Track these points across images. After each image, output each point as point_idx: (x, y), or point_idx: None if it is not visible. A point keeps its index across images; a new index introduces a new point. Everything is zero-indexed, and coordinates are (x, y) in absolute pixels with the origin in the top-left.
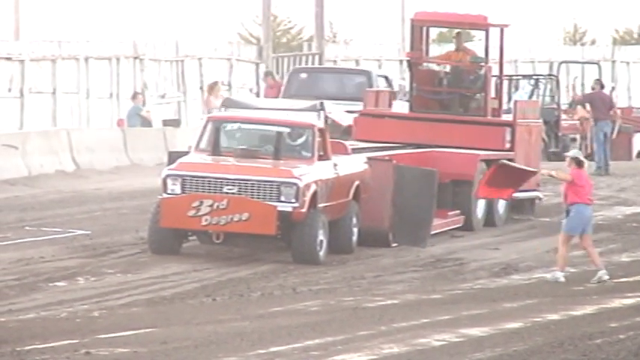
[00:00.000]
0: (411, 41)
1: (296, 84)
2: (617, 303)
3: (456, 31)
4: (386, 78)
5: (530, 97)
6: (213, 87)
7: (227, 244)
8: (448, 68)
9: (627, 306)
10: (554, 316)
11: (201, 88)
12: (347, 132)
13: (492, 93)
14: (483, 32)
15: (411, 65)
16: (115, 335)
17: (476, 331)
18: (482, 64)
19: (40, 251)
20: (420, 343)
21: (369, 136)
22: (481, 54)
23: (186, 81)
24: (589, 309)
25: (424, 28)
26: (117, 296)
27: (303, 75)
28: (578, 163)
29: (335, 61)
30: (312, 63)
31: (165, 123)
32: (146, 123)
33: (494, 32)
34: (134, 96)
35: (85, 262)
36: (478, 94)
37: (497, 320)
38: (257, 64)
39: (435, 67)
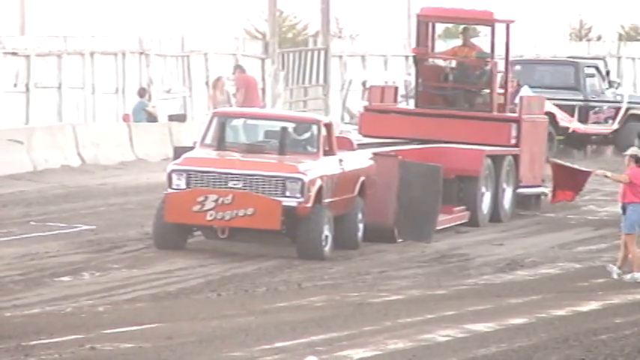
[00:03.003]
0: (416, 37)
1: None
2: (622, 299)
3: (463, 26)
4: (597, 68)
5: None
6: (216, 82)
7: (232, 240)
8: (454, 64)
9: (632, 302)
10: (559, 312)
11: (206, 83)
12: None
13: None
14: (489, 28)
15: (416, 61)
16: (120, 330)
17: (481, 327)
18: (488, 59)
19: (45, 246)
20: (424, 339)
21: (374, 131)
22: (487, 49)
23: (191, 76)
24: (594, 305)
25: (430, 24)
26: (122, 291)
27: (517, 67)
28: (637, 161)
29: (341, 57)
30: (318, 58)
31: (171, 118)
32: (152, 118)
33: (499, 28)
34: (141, 92)
35: (90, 257)
36: (484, 90)
37: (502, 316)
38: (263, 60)
39: (440, 62)
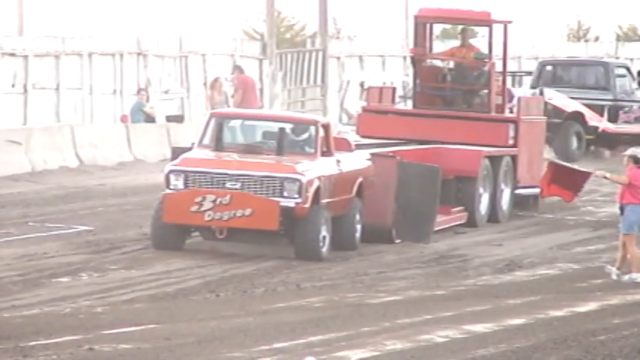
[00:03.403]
0: (414, 37)
1: (543, 75)
2: (620, 300)
3: (461, 27)
4: (627, 68)
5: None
6: (214, 83)
7: (230, 240)
8: (452, 64)
9: (630, 302)
10: (558, 313)
11: (204, 84)
12: (569, 117)
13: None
14: (487, 28)
15: (414, 62)
16: (118, 331)
17: (479, 328)
18: (486, 60)
19: (43, 247)
20: (423, 340)
21: (372, 132)
22: (484, 50)
23: (189, 77)
24: (592, 305)
25: (427, 25)
26: (120, 292)
27: (549, 67)
28: (637, 162)
29: (339, 58)
30: (316, 59)
31: (169, 119)
32: (149, 119)
33: (497, 28)
34: (138, 92)
35: (88, 258)
36: (482, 91)
37: (501, 317)
38: (261, 60)
39: (438, 63)
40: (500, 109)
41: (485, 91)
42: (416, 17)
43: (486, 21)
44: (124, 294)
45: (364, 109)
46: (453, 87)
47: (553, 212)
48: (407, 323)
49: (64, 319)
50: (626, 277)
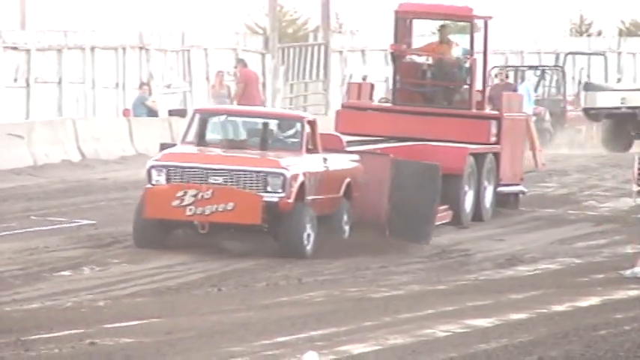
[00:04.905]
0: (394, 33)
1: None
2: (622, 294)
3: (440, 23)
4: None
5: (536, 88)
6: (216, 77)
7: (212, 237)
8: (431, 61)
9: (632, 297)
10: (559, 308)
11: (207, 78)
12: None
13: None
14: (482, 26)
15: (394, 58)
16: (120, 325)
17: (481, 322)
18: (467, 56)
19: (45, 241)
20: (424, 334)
21: (351, 128)
22: (464, 46)
23: (192, 71)
24: (594, 300)
25: (408, 20)
26: (122, 286)
27: None
28: None
29: (341, 52)
30: (318, 53)
31: (171, 113)
32: (152, 113)
33: (478, 24)
34: (141, 86)
35: (90, 251)
36: (463, 87)
37: (502, 311)
38: (263, 55)
39: (418, 59)
40: (481, 105)
41: (466, 87)
42: (396, 12)
43: (467, 17)
44: (125, 288)
45: (343, 106)
46: (435, 83)
47: (554, 207)
48: (408, 318)
49: (66, 313)
50: (627, 272)
